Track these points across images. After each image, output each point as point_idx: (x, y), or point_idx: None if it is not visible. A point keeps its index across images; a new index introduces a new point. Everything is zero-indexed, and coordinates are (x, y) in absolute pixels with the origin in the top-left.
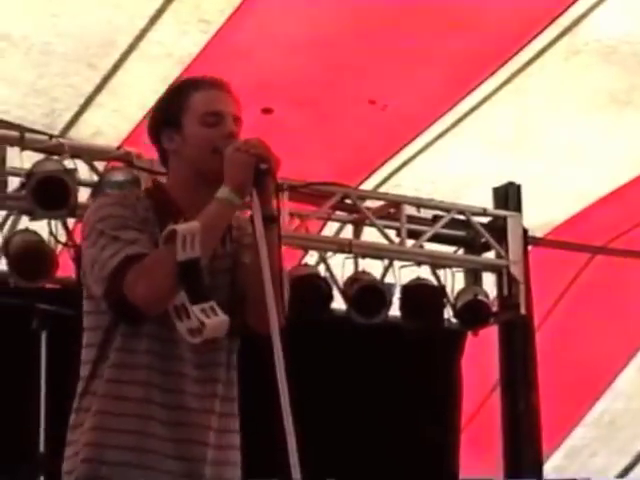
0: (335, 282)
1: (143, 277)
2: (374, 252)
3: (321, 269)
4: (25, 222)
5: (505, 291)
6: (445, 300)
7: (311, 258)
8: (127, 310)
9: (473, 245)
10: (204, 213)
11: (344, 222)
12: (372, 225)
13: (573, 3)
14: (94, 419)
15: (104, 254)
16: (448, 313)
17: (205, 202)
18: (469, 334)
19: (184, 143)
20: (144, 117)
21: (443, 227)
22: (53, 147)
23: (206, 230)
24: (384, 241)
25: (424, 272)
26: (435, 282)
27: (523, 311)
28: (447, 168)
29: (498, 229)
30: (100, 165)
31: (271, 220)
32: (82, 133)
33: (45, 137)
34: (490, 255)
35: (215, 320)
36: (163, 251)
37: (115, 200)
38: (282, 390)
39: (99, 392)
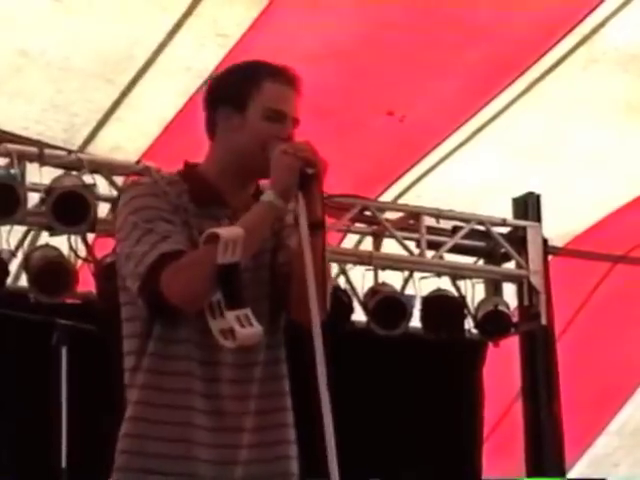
0: (355, 294)
1: (180, 276)
2: (394, 264)
3: (341, 281)
4: (45, 238)
5: (526, 301)
6: (466, 311)
7: (331, 270)
8: (162, 307)
9: (493, 255)
10: (248, 216)
11: (364, 234)
12: (392, 236)
13: (591, 12)
14: (134, 409)
15: (138, 248)
16: (469, 324)
17: (242, 193)
18: (490, 344)
19: (240, 127)
20: (163, 132)
21: (463, 238)
22: (72, 162)
23: (249, 233)
24: (404, 252)
25: (444, 283)
26: (455, 293)
27: (544, 321)
28: (466, 178)
29: (518, 239)
30: (119, 180)
31: (317, 226)
32: (101, 148)
33: (64, 153)
34: (510, 265)
35: (248, 331)
36: (203, 252)
37: (146, 190)
38: (322, 390)
39: (138, 383)
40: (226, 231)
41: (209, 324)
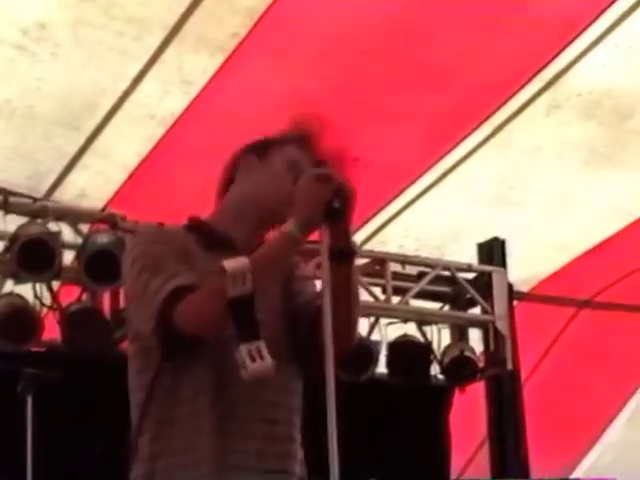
0: None
1: (194, 309)
2: (360, 309)
3: None
4: (10, 285)
5: (491, 346)
6: (432, 356)
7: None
8: (177, 342)
9: (459, 301)
10: (267, 245)
11: None
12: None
13: (554, 57)
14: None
15: (149, 290)
16: (435, 369)
17: (255, 238)
18: (456, 390)
19: (261, 170)
20: (128, 178)
21: (428, 283)
22: (37, 210)
23: (268, 262)
24: (370, 298)
25: (410, 329)
26: (421, 338)
27: (510, 366)
28: (431, 224)
29: (483, 285)
30: (85, 227)
31: (344, 254)
32: (66, 195)
33: (29, 200)
34: (476, 311)
35: (258, 365)
36: (215, 284)
37: (151, 238)
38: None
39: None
40: (231, 263)
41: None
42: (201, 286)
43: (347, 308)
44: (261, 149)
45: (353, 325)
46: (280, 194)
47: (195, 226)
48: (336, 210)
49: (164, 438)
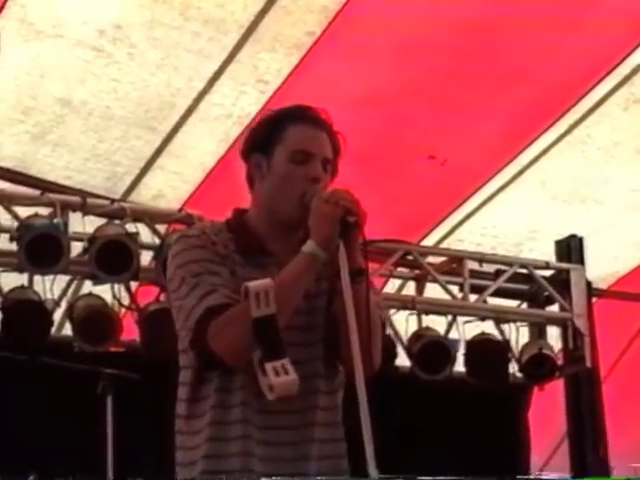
0: (399, 339)
1: (223, 331)
2: (437, 308)
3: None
4: (88, 287)
5: (570, 344)
6: (510, 355)
7: (382, 319)
8: (213, 360)
9: (536, 299)
10: (290, 267)
11: (406, 279)
12: (435, 281)
13: (631, 52)
14: (202, 462)
15: (187, 303)
16: (513, 367)
17: (288, 240)
18: (535, 388)
19: (270, 173)
20: (204, 179)
21: (506, 281)
22: (115, 211)
23: (292, 284)
24: (447, 297)
25: (488, 327)
26: (499, 337)
27: (589, 364)
28: (508, 221)
29: (561, 282)
30: (162, 228)
31: (359, 273)
32: (143, 196)
33: (107, 202)
34: (554, 308)
35: (282, 380)
36: (241, 307)
37: (194, 242)
38: (367, 440)
39: (195, 432)
40: (253, 284)
41: (259, 381)
42: (231, 309)
43: (365, 330)
44: (266, 148)
45: (373, 347)
46: (290, 197)
47: (234, 225)
48: (351, 224)
49: (213, 440)
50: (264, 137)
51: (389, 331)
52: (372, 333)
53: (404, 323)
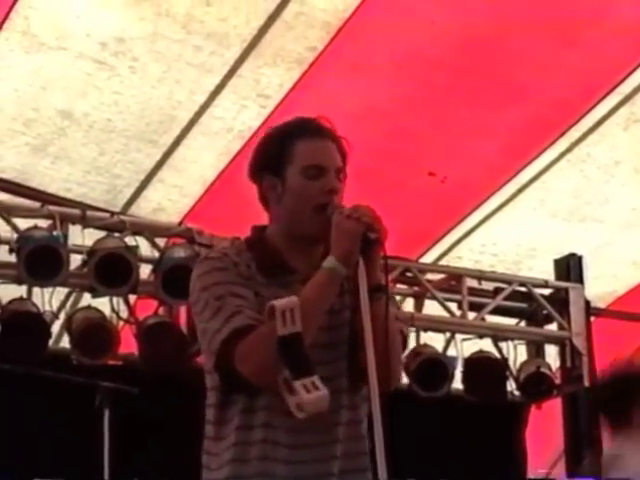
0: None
1: (249, 353)
2: (436, 325)
3: None
4: (87, 299)
5: (568, 363)
6: (508, 373)
7: (404, 336)
8: (238, 382)
9: (535, 317)
10: (312, 284)
11: (405, 295)
12: (433, 298)
13: (632, 72)
14: None
15: (211, 327)
16: (511, 386)
17: (309, 255)
18: (533, 406)
19: (285, 193)
20: (205, 192)
21: (505, 299)
22: (114, 224)
23: (313, 301)
24: (445, 314)
25: (486, 345)
26: (497, 355)
27: (587, 383)
28: (508, 239)
29: (560, 301)
30: (161, 241)
31: (378, 290)
32: (143, 209)
33: (106, 214)
34: (552, 327)
35: (312, 395)
36: (267, 327)
37: (216, 264)
38: (380, 457)
39: (220, 453)
40: (280, 302)
41: (286, 400)
42: (257, 329)
43: (382, 347)
44: (276, 168)
45: (392, 365)
46: (309, 212)
47: (255, 244)
48: (372, 241)
49: (235, 462)
50: (272, 157)
51: None
52: (390, 349)
53: None
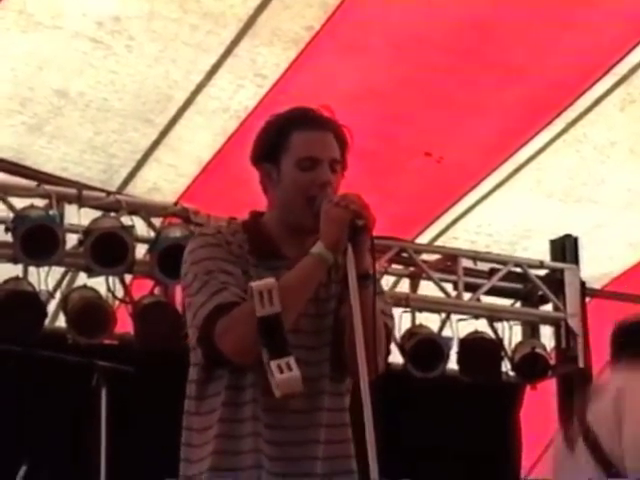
0: (392, 336)
1: (229, 330)
2: (431, 305)
3: None
4: (83, 279)
5: (563, 344)
6: (503, 353)
7: (389, 325)
8: (219, 358)
9: (530, 298)
10: (298, 267)
11: (400, 276)
12: (429, 278)
13: (628, 52)
14: (211, 459)
15: (196, 300)
16: (506, 366)
17: (302, 244)
18: (527, 387)
19: (280, 182)
20: (200, 172)
21: (500, 280)
22: (110, 204)
23: (298, 284)
24: (441, 294)
25: (481, 325)
26: (492, 335)
27: (581, 364)
28: (503, 220)
29: (555, 281)
30: (157, 221)
31: (365, 277)
32: (139, 189)
33: (102, 194)
34: (547, 308)
35: (284, 376)
36: (247, 305)
37: (209, 240)
38: (369, 441)
39: (203, 429)
40: (256, 283)
41: (270, 380)
42: (237, 308)
43: (370, 333)
44: (273, 157)
45: (378, 350)
46: (300, 203)
47: (250, 226)
48: (360, 228)
49: (223, 437)
50: (270, 146)
51: None
52: (378, 339)
53: (398, 320)
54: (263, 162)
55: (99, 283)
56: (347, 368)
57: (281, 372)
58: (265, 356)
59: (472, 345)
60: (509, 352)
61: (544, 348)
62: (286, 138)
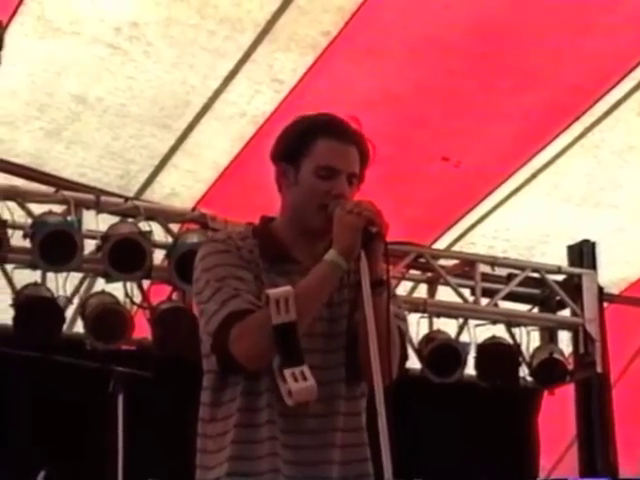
0: (410, 341)
1: (244, 337)
2: (449, 311)
3: None
4: (101, 284)
5: (581, 349)
6: (520, 359)
7: (402, 331)
8: (233, 365)
9: (548, 303)
10: (312, 275)
11: (418, 281)
12: (446, 284)
13: None
14: (228, 465)
15: (209, 307)
16: (524, 371)
17: (313, 249)
18: (545, 392)
19: (296, 184)
20: (218, 178)
21: (518, 285)
22: (128, 209)
23: (313, 292)
24: (458, 300)
25: (499, 330)
26: (510, 340)
27: (599, 369)
28: (521, 225)
29: (573, 287)
30: (175, 227)
31: (379, 284)
32: (157, 194)
33: (120, 200)
34: (565, 313)
35: (300, 385)
36: (263, 313)
37: (220, 247)
38: (384, 447)
39: (220, 435)
40: (274, 291)
41: (279, 387)
42: (253, 315)
43: (384, 339)
44: (293, 158)
45: (391, 358)
46: (314, 210)
47: (260, 232)
48: (373, 235)
49: (240, 443)
50: (293, 147)
51: None
52: (390, 344)
53: (415, 326)
54: (282, 161)
55: (117, 289)
56: (362, 372)
57: (296, 381)
58: (276, 363)
59: (490, 350)
60: (527, 357)
61: (562, 353)
62: (310, 143)
